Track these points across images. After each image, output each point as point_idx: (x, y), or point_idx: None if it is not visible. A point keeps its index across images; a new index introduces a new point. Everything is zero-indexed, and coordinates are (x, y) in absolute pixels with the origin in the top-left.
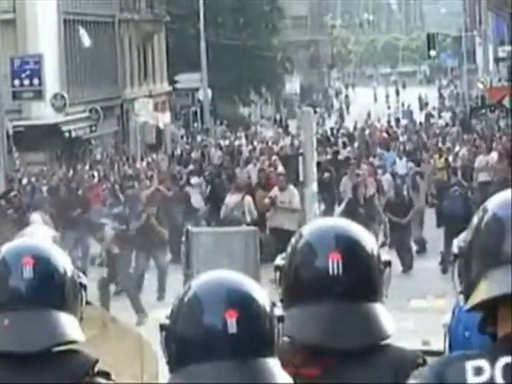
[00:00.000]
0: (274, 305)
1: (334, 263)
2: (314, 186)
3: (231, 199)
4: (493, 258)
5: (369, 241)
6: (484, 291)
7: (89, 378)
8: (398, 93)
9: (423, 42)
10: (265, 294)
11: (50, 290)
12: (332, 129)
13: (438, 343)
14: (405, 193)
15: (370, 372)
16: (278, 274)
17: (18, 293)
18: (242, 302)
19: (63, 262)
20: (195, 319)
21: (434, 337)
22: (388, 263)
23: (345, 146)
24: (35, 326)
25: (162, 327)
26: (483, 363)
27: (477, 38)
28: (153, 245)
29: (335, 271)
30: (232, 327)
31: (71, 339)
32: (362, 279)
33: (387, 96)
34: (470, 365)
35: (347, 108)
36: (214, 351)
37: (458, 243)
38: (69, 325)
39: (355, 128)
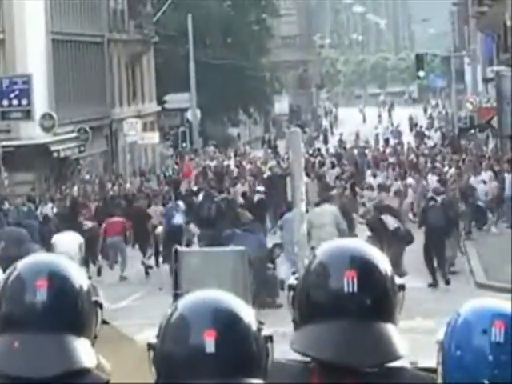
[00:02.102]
0: (261, 324)
1: (349, 281)
2: (303, 206)
3: None
4: None
5: (383, 261)
6: None
7: None
8: (390, 113)
9: (412, 62)
10: (250, 313)
11: (64, 313)
12: (319, 149)
13: (425, 364)
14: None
15: None
16: (291, 293)
17: (31, 314)
18: (222, 322)
19: (79, 281)
20: (178, 339)
21: (421, 358)
22: (402, 287)
23: (333, 166)
24: (46, 351)
25: (150, 346)
26: None
27: (465, 59)
28: None
29: (350, 289)
30: (210, 347)
31: (83, 366)
32: (376, 298)
33: (379, 116)
34: None
35: (331, 128)
36: (195, 371)
37: None
38: (81, 350)
39: (344, 148)
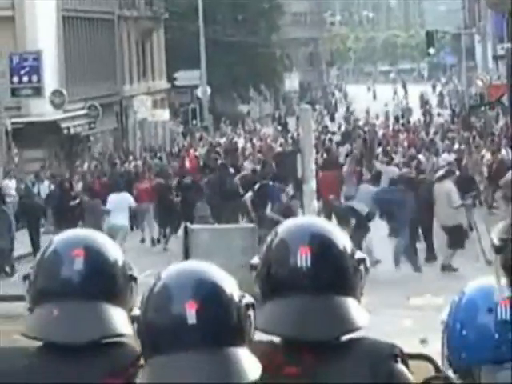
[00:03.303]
0: (243, 295)
1: (302, 257)
2: (313, 183)
3: None
4: None
5: (340, 237)
6: None
7: (134, 369)
8: (405, 90)
9: (422, 40)
10: (232, 284)
11: (100, 282)
12: (326, 126)
13: (435, 342)
14: None
15: (347, 365)
16: (253, 272)
17: (68, 284)
18: (203, 293)
19: (114, 254)
20: (160, 310)
21: (431, 335)
22: (362, 260)
23: (343, 143)
24: (83, 318)
25: (133, 318)
26: None
27: (476, 36)
28: None
29: (304, 264)
30: (191, 318)
31: (119, 332)
32: (331, 272)
33: (395, 93)
34: None
35: (335, 105)
36: (178, 342)
37: (499, 235)
38: (117, 318)
39: (354, 126)
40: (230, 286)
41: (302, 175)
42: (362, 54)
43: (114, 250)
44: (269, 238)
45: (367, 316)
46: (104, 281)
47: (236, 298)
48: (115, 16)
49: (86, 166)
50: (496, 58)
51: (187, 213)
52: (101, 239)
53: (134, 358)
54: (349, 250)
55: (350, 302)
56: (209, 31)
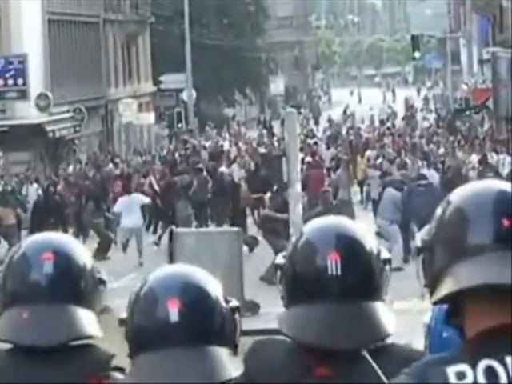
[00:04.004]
0: (228, 299)
1: (332, 263)
2: (298, 186)
3: None
4: (457, 251)
5: (368, 239)
6: (449, 285)
7: (104, 372)
8: (394, 94)
9: (408, 44)
10: (216, 286)
11: (69, 284)
12: (312, 130)
13: (420, 345)
14: None
15: (380, 367)
16: (278, 272)
17: (37, 287)
18: (185, 292)
19: (83, 257)
20: (144, 310)
21: (416, 339)
22: (388, 261)
23: (328, 147)
24: (53, 320)
25: (122, 321)
26: (464, 367)
27: (461, 40)
28: None
29: (334, 271)
30: (174, 316)
31: (88, 334)
32: (361, 279)
33: (384, 97)
34: (451, 370)
35: (318, 109)
36: (161, 340)
37: (421, 236)
38: (87, 320)
39: (337, 130)
40: (215, 288)
41: (287, 179)
42: (348, 58)
43: (83, 254)
44: (295, 239)
45: (394, 320)
46: (73, 284)
47: (220, 300)
48: (101, 19)
49: (71, 168)
50: (481, 61)
51: (166, 214)
52: (70, 243)
53: (107, 359)
54: (376, 252)
55: (380, 308)
56: (194, 35)
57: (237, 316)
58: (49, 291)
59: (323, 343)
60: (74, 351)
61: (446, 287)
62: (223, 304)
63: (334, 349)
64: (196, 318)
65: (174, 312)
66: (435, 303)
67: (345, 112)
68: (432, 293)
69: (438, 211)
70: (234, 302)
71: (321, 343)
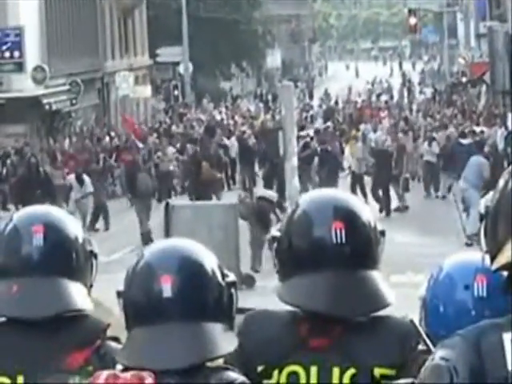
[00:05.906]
0: (225, 273)
1: (337, 232)
2: (295, 160)
3: None
4: None
5: (367, 211)
6: (510, 252)
7: (100, 342)
8: (401, 67)
9: (404, 18)
10: (213, 261)
11: (60, 258)
12: (309, 104)
13: (415, 319)
14: None
15: (376, 338)
16: (274, 245)
17: (28, 260)
18: (179, 268)
19: (74, 230)
20: (140, 284)
21: (412, 313)
22: (383, 232)
23: (325, 121)
24: (43, 293)
25: (119, 294)
26: None
27: (458, 14)
28: None
29: (339, 240)
30: (167, 291)
31: (78, 307)
32: (363, 247)
33: (392, 69)
34: (506, 336)
35: (312, 82)
36: (156, 315)
37: (485, 203)
38: (77, 293)
39: (336, 103)
40: (210, 262)
41: (283, 152)
42: (345, 32)
43: (73, 226)
44: (292, 211)
45: (393, 291)
46: (63, 257)
47: (215, 275)
48: None
49: (67, 141)
50: (478, 36)
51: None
52: (60, 215)
53: (100, 331)
54: (373, 223)
55: (379, 277)
56: (191, 8)
57: (233, 291)
58: (39, 264)
59: (332, 311)
60: (68, 323)
61: (507, 255)
62: (219, 279)
63: (339, 316)
64: (189, 293)
65: (166, 287)
66: (496, 270)
67: (350, 91)
68: (493, 259)
69: (502, 179)
70: (231, 277)
71: (330, 310)
